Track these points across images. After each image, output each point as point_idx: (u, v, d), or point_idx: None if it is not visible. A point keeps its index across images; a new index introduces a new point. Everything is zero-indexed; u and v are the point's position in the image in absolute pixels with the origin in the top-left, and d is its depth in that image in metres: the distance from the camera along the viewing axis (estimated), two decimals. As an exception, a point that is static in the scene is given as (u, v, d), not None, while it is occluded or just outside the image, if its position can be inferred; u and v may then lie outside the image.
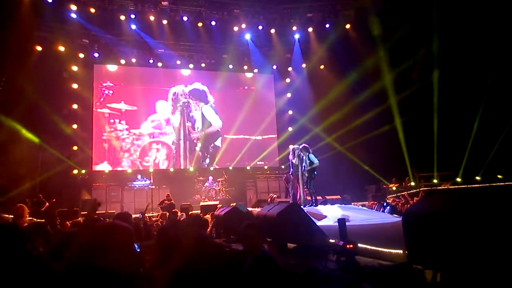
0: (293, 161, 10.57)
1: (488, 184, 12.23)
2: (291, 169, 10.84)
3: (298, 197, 10.55)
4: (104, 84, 15.60)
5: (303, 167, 10.13)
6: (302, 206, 9.11)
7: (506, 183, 11.58)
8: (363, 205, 11.80)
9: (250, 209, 10.26)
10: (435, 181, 14.22)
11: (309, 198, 10.08)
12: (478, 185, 12.69)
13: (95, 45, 15.16)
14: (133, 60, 15.88)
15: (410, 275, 3.54)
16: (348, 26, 16.20)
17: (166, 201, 12.84)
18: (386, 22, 14.74)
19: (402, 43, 14.13)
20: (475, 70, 13.30)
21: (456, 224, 3.13)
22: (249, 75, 18.06)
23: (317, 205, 9.75)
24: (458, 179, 14.09)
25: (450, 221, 3.19)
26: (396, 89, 14.58)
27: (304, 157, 10.09)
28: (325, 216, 8.10)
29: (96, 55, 15.27)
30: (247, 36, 16.57)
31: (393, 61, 14.55)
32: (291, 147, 11.01)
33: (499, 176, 12.87)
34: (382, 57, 14.65)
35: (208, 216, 9.39)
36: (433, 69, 14.06)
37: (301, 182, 10.24)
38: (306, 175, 9.97)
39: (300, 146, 10.36)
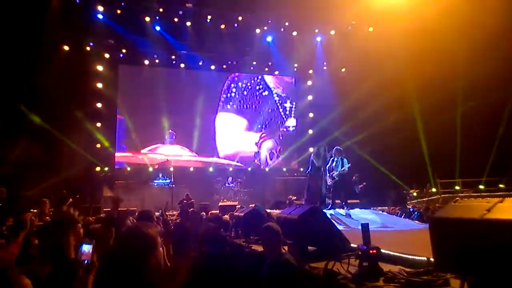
0: (316, 161, 9.71)
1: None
2: (310, 169, 9.92)
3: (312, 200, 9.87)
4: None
5: (328, 170, 9.49)
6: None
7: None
8: (382, 210, 11.64)
9: (268, 210, 10.25)
10: (457, 187, 13.93)
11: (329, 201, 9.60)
12: (502, 193, 12.38)
13: (121, 45, 15.46)
14: (157, 60, 16.11)
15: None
16: (371, 29, 16.08)
17: (185, 200, 12.95)
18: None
19: (426, 47, 13.90)
20: (499, 74, 12.97)
21: (484, 232, 3.07)
22: (270, 77, 18.07)
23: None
24: (481, 186, 13.78)
25: (479, 229, 3.13)
26: (419, 95, 14.36)
27: (336, 160, 9.39)
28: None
29: (121, 55, 15.56)
30: (269, 39, 16.62)
31: (416, 65, 14.32)
32: (317, 147, 10.21)
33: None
34: (403, 62, 14.44)
35: (226, 216, 9.42)
36: (457, 74, 13.79)
37: (323, 184, 9.58)
38: (336, 179, 9.36)
39: (334, 149, 9.60)
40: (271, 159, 17.36)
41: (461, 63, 13.24)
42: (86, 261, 2.43)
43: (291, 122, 17.98)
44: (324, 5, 14.65)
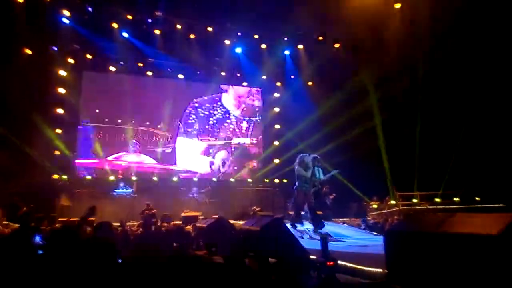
0: (302, 173, 9.09)
1: (466, 206, 12.57)
2: (298, 183, 9.22)
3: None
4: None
5: (314, 182, 9.08)
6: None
7: (484, 205, 11.89)
8: (343, 222, 11.91)
9: (232, 221, 10.22)
10: (414, 200, 14.46)
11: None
12: (456, 206, 13.00)
13: (86, 51, 15.05)
14: (123, 68, 15.81)
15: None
16: (337, 45, 16.66)
17: (147, 211, 12.67)
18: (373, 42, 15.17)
19: (389, 63, 14.54)
20: (458, 94, 13.74)
21: (436, 245, 3.21)
22: (238, 88, 18.19)
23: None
24: (437, 200, 14.38)
25: (431, 242, 3.27)
26: (381, 109, 14.93)
27: (317, 170, 9.04)
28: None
29: (86, 61, 15.16)
30: (238, 50, 16.78)
31: (380, 81, 14.93)
32: (301, 155, 9.50)
33: (477, 198, 13.18)
34: (369, 77, 15.05)
35: (189, 227, 9.31)
36: (417, 90, 14.47)
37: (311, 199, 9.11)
38: (319, 187, 9.14)
39: (311, 157, 9.20)
40: (223, 167, 17.34)
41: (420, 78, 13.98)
42: None
43: (246, 141, 18.04)
44: (292, 20, 15.05)
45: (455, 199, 14.12)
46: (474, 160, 13.36)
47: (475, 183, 13.15)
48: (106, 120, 15.49)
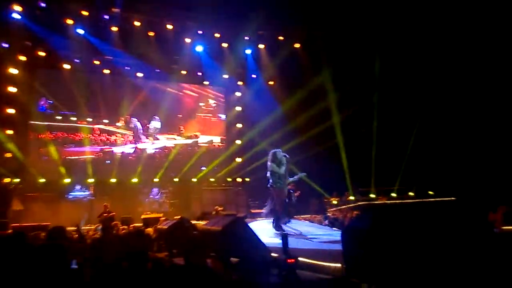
0: (276, 169, 8.81)
1: (419, 200, 13.24)
2: (272, 180, 8.88)
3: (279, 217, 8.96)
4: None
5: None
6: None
7: (435, 199, 12.56)
8: (304, 219, 12.14)
9: (194, 222, 10.13)
10: (372, 195, 15.02)
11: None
12: (410, 201, 13.65)
13: (39, 48, 14.28)
14: (79, 66, 15.19)
15: (346, 288, 3.72)
16: (297, 45, 16.91)
17: (105, 214, 12.30)
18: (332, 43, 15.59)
19: (347, 64, 15.01)
20: (412, 92, 14.44)
21: (388, 239, 3.35)
22: (199, 87, 18.02)
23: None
24: (393, 194, 15.03)
25: (383, 236, 3.41)
26: (340, 108, 15.39)
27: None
28: None
29: (38, 58, 14.42)
30: (199, 48, 16.59)
31: (337, 81, 15.38)
32: (274, 150, 9.11)
33: (430, 192, 13.90)
34: (328, 77, 15.45)
35: (150, 229, 9.15)
36: (374, 90, 15.05)
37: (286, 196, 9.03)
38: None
39: (282, 153, 8.93)
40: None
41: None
42: None
43: (215, 139, 18.07)
44: (254, 19, 15.14)
45: (410, 193, 14.82)
46: (427, 156, 14.10)
47: (428, 178, 13.86)
48: (60, 118, 14.83)
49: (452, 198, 10.99)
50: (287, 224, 9.35)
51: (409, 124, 14.77)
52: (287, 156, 8.97)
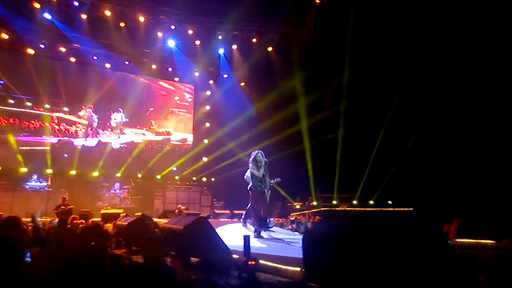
0: (255, 172, 8.39)
1: (378, 209, 13.60)
2: (252, 183, 8.47)
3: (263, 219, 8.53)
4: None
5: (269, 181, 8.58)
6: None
7: (394, 209, 12.93)
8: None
9: (155, 220, 9.95)
10: (334, 202, 15.32)
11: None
12: (370, 209, 14.01)
13: (2, 30, 13.56)
14: (44, 51, 14.55)
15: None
16: (270, 48, 17.00)
17: (63, 206, 11.84)
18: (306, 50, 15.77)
19: (317, 70, 15.24)
20: (378, 102, 14.81)
21: (346, 245, 3.44)
22: (169, 82, 17.74)
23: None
24: (354, 202, 15.39)
25: (341, 242, 3.49)
26: (308, 113, 15.60)
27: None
28: None
29: (1, 41, 13.69)
30: (171, 44, 16.33)
31: (308, 86, 15.57)
32: (255, 152, 8.61)
33: (389, 202, 14.33)
34: (298, 82, 15.61)
35: (109, 225, 8.89)
36: (342, 98, 15.34)
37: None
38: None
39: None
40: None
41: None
42: None
43: (188, 137, 17.85)
44: (228, 20, 15.09)
45: (370, 202, 15.23)
46: (389, 166, 14.51)
47: (388, 188, 14.29)
48: (23, 104, 14.18)
49: (410, 209, 11.35)
50: (270, 228, 9.13)
51: (374, 134, 15.15)
52: (267, 159, 8.55)
